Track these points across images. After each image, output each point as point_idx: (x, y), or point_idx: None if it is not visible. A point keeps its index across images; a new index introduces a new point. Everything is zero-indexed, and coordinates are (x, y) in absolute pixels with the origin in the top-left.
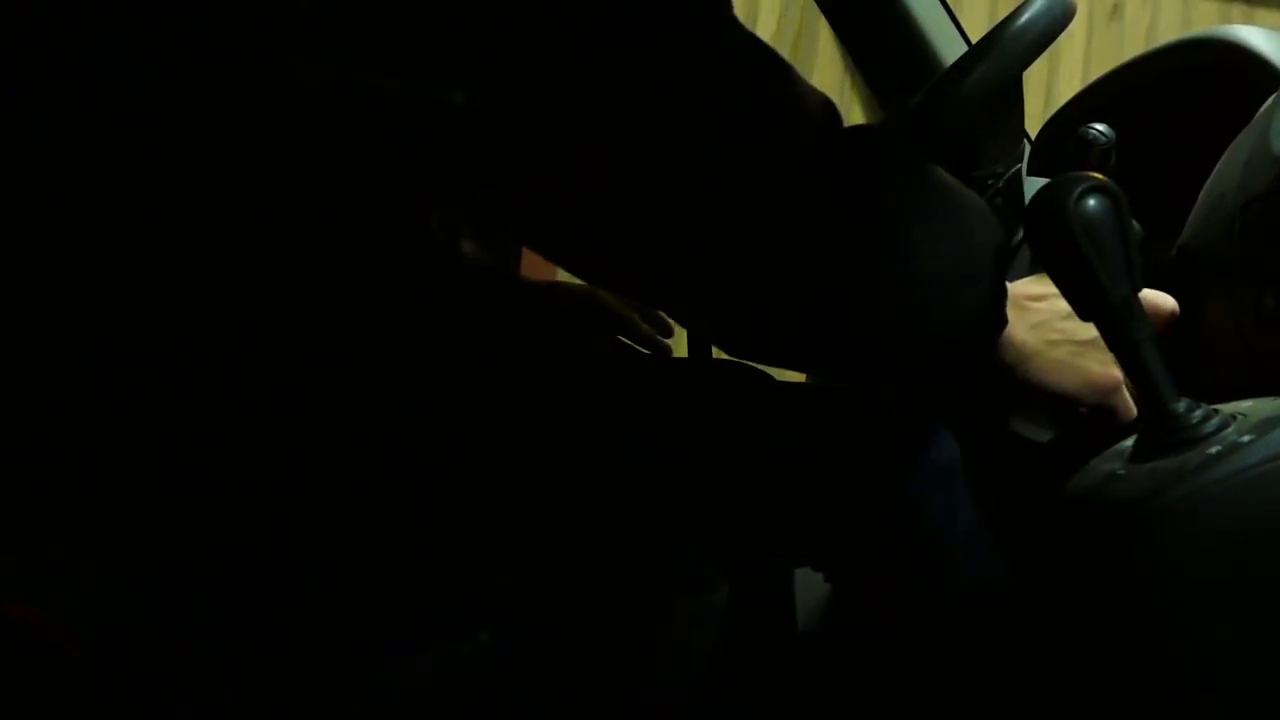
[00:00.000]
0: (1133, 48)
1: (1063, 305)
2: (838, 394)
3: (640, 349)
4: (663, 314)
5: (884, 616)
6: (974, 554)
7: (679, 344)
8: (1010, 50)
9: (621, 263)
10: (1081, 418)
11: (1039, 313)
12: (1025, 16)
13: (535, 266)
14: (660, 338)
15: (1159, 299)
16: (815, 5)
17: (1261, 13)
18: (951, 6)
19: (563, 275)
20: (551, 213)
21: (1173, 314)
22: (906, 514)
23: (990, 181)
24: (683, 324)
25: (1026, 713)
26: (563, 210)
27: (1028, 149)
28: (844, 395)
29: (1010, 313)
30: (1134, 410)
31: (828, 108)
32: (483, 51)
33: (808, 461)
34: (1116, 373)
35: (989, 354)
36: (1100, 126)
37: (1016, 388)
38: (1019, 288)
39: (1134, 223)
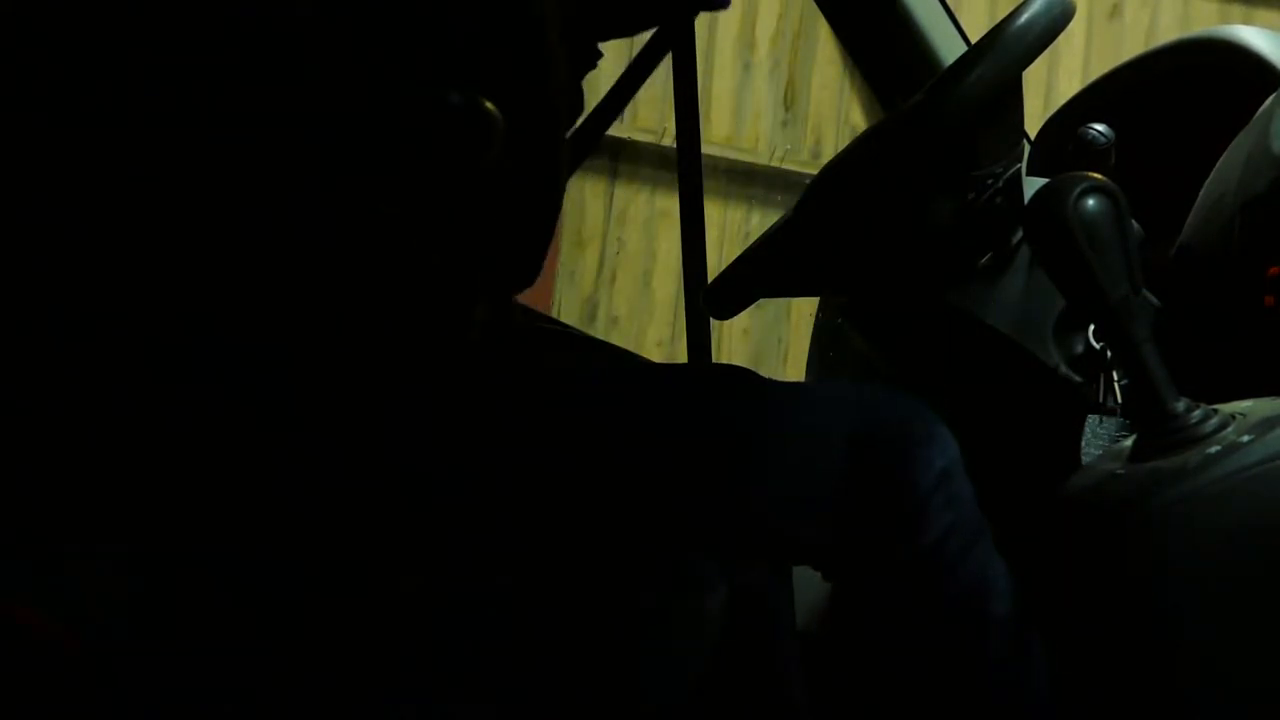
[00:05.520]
0: (1133, 48)
1: None
2: (836, 395)
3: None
4: None
5: (883, 618)
6: (975, 555)
7: (679, 347)
8: (1010, 50)
9: None
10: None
11: None
12: (1025, 16)
13: None
14: None
15: None
16: (815, 5)
17: (1261, 13)
18: (951, 6)
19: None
20: None
21: None
22: (907, 515)
23: (990, 181)
24: None
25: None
26: None
27: (1028, 149)
28: (842, 396)
29: None
30: None
31: None
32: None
33: (806, 463)
34: None
35: None
36: (1100, 126)
37: None
38: None
39: (1134, 223)
